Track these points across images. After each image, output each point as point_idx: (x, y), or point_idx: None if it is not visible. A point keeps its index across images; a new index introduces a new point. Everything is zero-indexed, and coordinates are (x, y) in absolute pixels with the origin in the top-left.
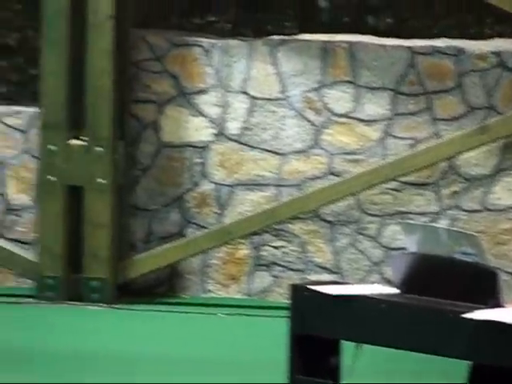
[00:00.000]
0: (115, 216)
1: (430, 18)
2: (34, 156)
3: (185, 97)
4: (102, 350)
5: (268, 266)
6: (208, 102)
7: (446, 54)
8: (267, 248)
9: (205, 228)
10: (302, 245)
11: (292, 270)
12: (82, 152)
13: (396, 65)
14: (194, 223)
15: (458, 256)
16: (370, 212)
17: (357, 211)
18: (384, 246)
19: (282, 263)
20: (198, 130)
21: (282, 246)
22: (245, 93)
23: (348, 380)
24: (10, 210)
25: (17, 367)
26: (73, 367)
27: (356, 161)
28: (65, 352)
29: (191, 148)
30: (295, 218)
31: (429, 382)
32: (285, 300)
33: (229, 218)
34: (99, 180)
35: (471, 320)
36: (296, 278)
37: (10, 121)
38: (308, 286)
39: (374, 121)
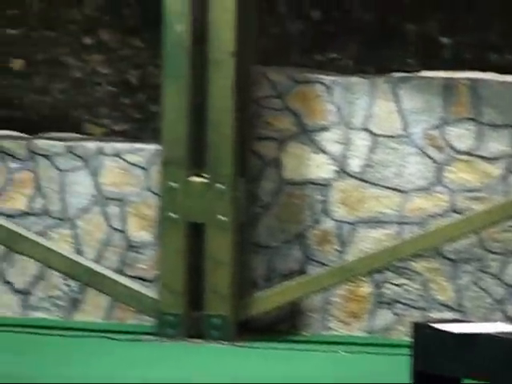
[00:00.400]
0: (236, 253)
1: None
2: (154, 193)
3: (306, 134)
4: None
5: (390, 303)
6: (329, 139)
7: None
8: (389, 286)
9: (326, 265)
10: (424, 282)
11: (414, 307)
12: (203, 189)
13: None
14: (315, 260)
15: None
16: (492, 250)
17: (479, 249)
18: (507, 284)
19: (404, 301)
20: (319, 167)
21: (404, 284)
22: (366, 130)
23: None
24: (131, 247)
25: None
26: None
27: (478, 198)
28: None
29: (312, 185)
30: (417, 256)
31: None
32: (407, 338)
33: (350, 256)
34: (220, 217)
35: None
36: (418, 316)
37: (130, 158)
38: (430, 324)
39: (496, 158)
